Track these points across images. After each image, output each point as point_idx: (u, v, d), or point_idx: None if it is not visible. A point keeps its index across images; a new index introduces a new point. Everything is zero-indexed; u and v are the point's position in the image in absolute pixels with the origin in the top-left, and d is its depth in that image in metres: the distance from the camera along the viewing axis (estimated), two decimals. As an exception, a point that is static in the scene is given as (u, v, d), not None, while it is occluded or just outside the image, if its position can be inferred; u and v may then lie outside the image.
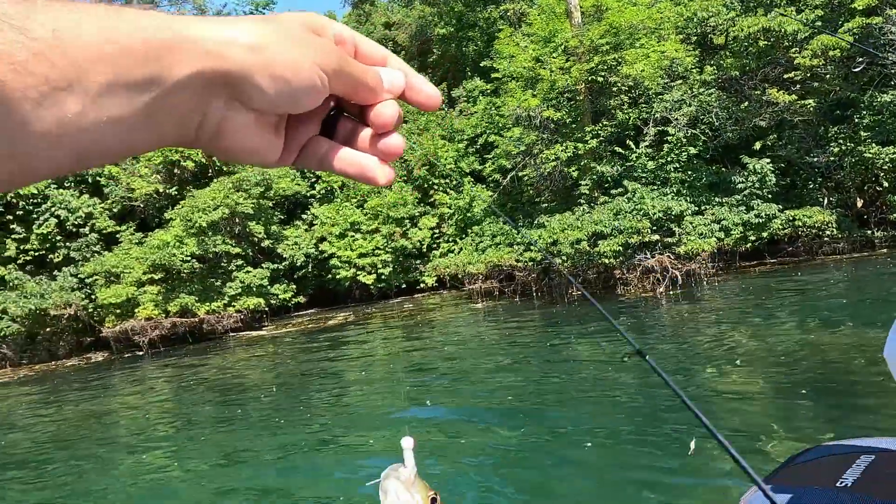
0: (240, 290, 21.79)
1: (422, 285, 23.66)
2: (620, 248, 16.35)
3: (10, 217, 21.69)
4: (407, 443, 1.19)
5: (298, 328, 20.85)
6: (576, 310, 15.74)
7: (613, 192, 17.62)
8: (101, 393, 15.02)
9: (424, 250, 23.85)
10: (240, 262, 22.17)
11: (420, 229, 23.66)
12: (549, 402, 7.97)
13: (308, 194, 25.19)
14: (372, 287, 23.69)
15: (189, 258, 20.94)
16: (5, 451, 10.21)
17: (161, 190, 22.52)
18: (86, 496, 7.32)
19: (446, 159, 23.65)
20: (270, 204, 23.63)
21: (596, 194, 18.12)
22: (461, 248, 23.02)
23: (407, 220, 23.65)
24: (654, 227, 16.55)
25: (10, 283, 21.31)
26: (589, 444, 5.86)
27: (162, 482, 7.38)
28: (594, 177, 18.05)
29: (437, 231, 24.00)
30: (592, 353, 10.68)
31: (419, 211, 23.96)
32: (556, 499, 5.00)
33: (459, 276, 21.82)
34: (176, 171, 22.76)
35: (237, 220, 22.07)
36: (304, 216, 25.06)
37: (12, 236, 21.76)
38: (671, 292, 15.95)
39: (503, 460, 6.00)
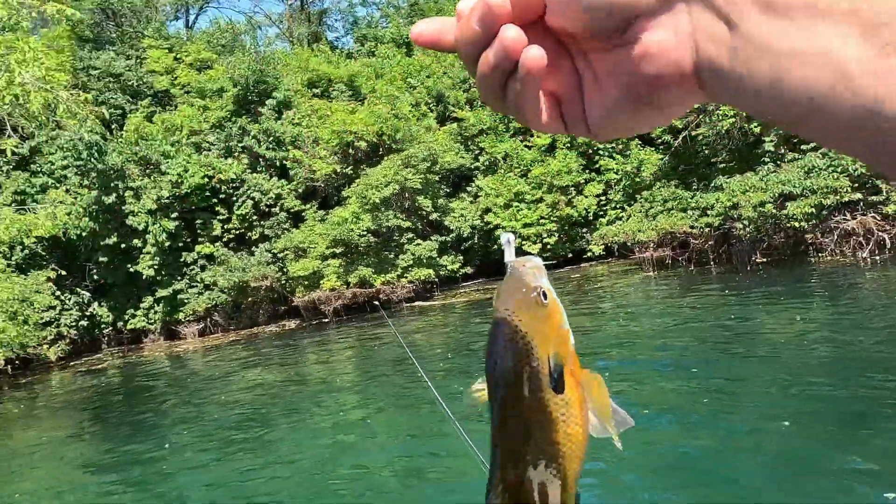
0: (411, 261, 22.88)
1: (588, 254, 23.20)
2: (813, 210, 14.77)
3: (216, 201, 24.52)
4: (506, 238, 1.03)
5: (466, 298, 21.47)
6: (761, 278, 14.55)
7: (804, 147, 15.89)
8: (295, 355, 16.65)
9: (591, 218, 23.29)
10: (410, 235, 23.22)
11: (586, 197, 23.12)
12: (735, 376, 7.50)
13: (472, 167, 25.61)
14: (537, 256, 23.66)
15: (365, 233, 22.35)
16: (224, 402, 11.71)
17: (338, 170, 24.14)
18: (291, 443, 8.20)
19: (611, 123, 22.77)
20: (437, 178, 24.37)
21: (783, 151, 16.47)
22: (629, 216, 22.16)
23: (572, 188, 23.22)
24: (856, 185, 14.71)
25: (218, 259, 24.19)
26: (787, 424, 5.44)
27: (357, 436, 8.04)
28: (780, 131, 16.38)
29: (603, 198, 23.30)
30: (782, 326, 9.84)
31: (584, 178, 23.39)
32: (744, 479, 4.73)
33: (628, 244, 21.07)
34: (350, 151, 24.24)
35: (406, 195, 23.09)
36: (468, 188, 25.56)
37: (217, 217, 24.60)
38: (877, 257, 14.15)
39: (689, 459, 5.78)
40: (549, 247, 23.19)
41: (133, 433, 10.93)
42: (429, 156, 23.34)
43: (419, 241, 23.40)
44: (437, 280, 23.69)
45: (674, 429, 6.06)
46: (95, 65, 26.26)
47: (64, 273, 23.91)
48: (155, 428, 11.05)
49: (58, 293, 23.19)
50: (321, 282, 22.30)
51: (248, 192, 24.33)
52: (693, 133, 18.78)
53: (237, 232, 24.68)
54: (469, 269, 24.61)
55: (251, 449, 8.52)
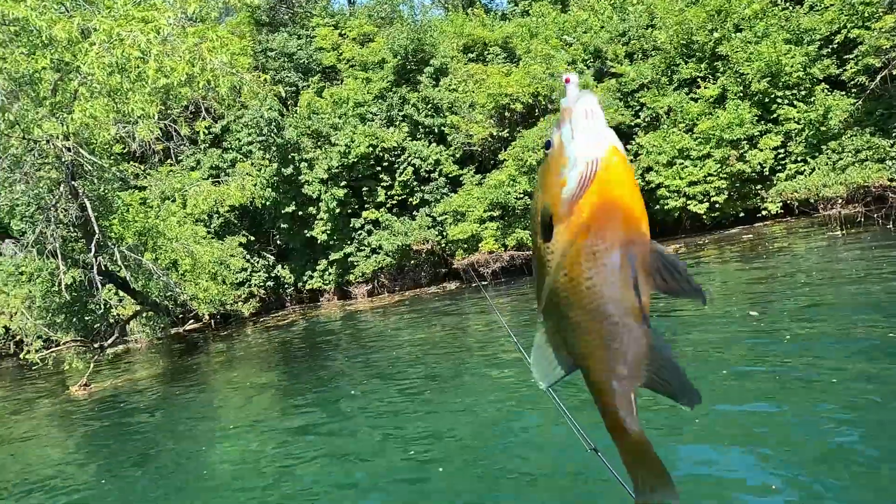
0: (568, 223, 22.56)
1: (763, 213, 21.38)
2: None
3: (379, 168, 25.83)
4: (571, 78, 0.91)
5: (627, 260, 20.81)
6: (979, 237, 12.58)
7: None
8: (456, 316, 17.31)
9: (766, 173, 21.36)
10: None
11: (761, 150, 21.21)
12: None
13: (632, 123, 24.49)
14: (704, 217, 22.27)
15: (522, 195, 22.40)
16: (395, 356, 12.56)
17: (494, 133, 24.29)
18: (456, 397, 8.65)
19: (793, 66, 20.52)
20: (594, 137, 23.65)
21: None
22: (813, 169, 20.04)
23: (745, 142, 21.40)
24: None
25: (383, 224, 25.59)
26: None
27: (515, 394, 8.30)
28: None
29: (782, 151, 21.22)
30: None
31: (759, 130, 21.43)
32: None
33: (811, 200, 19.13)
34: (506, 114, 24.24)
35: (563, 156, 22.69)
36: (628, 147, 24.52)
37: (381, 184, 25.94)
38: None
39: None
40: (717, 206, 21.71)
41: (317, 379, 12.13)
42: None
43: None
44: (595, 242, 23.16)
45: (873, 433, 5.44)
46: (272, 46, 28.51)
47: (252, 239, 26.72)
48: (336, 375, 12.17)
49: (248, 256, 26.00)
50: (479, 244, 22.82)
51: (409, 158, 25.32)
52: (895, 72, 16.42)
53: (399, 198, 25.86)
54: (629, 231, 23.78)
55: (425, 400, 9.12)
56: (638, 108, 24.45)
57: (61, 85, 12.12)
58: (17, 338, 22.16)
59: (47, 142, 12.53)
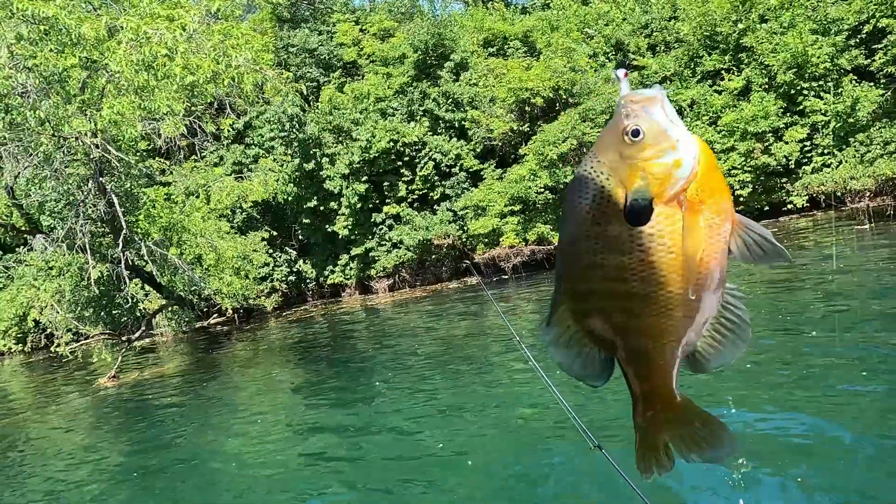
0: (590, 218, 22.47)
1: (789, 206, 21.09)
2: None
3: (400, 163, 25.91)
4: (616, 73, 0.94)
5: (649, 255, 20.68)
6: None
7: None
8: (477, 310, 17.34)
9: (792, 166, 21.06)
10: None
11: (786, 143, 20.91)
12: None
13: (655, 117, 24.27)
14: (728, 210, 22.04)
15: (542, 189, 22.33)
16: (417, 350, 12.63)
17: (515, 128, 24.23)
18: (477, 393, 8.69)
19: (820, 57, 20.17)
20: (616, 131, 23.51)
21: None
22: (841, 161, 19.71)
23: (769, 134, 21.11)
24: None
25: (404, 219, 25.68)
26: None
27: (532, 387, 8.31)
28: None
29: (808, 143, 20.90)
30: None
31: (785, 122, 21.12)
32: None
33: (838, 193, 18.83)
34: (527, 108, 24.17)
35: (584, 150, 22.60)
36: (651, 140, 24.31)
37: (402, 179, 26.01)
38: None
39: None
40: (742, 199, 21.44)
41: (339, 373, 12.25)
42: (607, 108, 22.53)
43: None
44: (617, 236, 23.06)
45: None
46: (293, 42, 28.69)
47: (275, 234, 26.97)
48: (358, 369, 12.29)
49: (270, 251, 26.26)
50: (500, 239, 22.80)
51: (430, 153, 25.35)
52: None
53: (420, 192, 25.92)
54: (651, 225, 23.62)
55: (448, 394, 9.19)
56: (660, 101, 24.17)
57: (89, 82, 12.35)
58: (49, 331, 22.66)
59: (76, 139, 12.79)
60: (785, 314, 9.76)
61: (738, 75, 22.24)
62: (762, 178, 21.30)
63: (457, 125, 25.72)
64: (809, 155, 20.79)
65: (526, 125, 24.05)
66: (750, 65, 22.02)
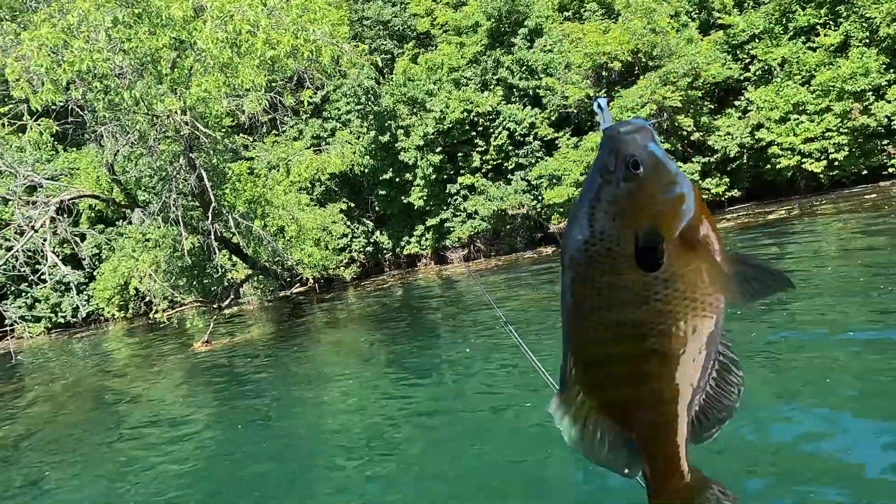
0: (670, 185, 21.77)
1: (890, 170, 19.69)
2: None
3: (474, 133, 25.82)
4: (597, 103, 0.82)
5: (733, 223, 19.89)
6: None
7: None
8: (553, 279, 17.23)
9: (894, 127, 19.59)
10: (670, 157, 21.98)
11: (888, 102, 19.42)
12: None
13: (741, 78, 23.05)
14: (821, 176, 20.79)
15: (620, 157, 21.75)
16: (493, 320, 12.74)
17: (591, 94, 23.61)
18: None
19: (929, 7, 18.51)
20: (699, 94, 22.51)
21: None
22: (951, 120, 18.17)
23: (869, 93, 19.66)
24: None
25: (478, 189, 25.68)
26: None
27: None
28: None
29: (913, 102, 19.34)
30: None
31: (887, 80, 19.59)
32: None
33: (947, 155, 17.39)
34: (604, 73, 23.48)
35: (665, 115, 21.79)
36: (736, 103, 23.15)
37: (476, 149, 25.94)
38: None
39: None
40: (837, 163, 20.19)
41: (416, 339, 12.55)
42: (690, 70, 21.58)
43: (679, 163, 22.07)
44: (699, 204, 22.26)
45: None
46: (367, 14, 28.89)
47: (352, 205, 27.60)
48: (435, 336, 12.55)
49: (348, 223, 26.92)
50: (576, 209, 22.44)
51: (504, 122, 25.13)
52: None
53: (494, 162, 25.79)
54: (736, 192, 22.63)
55: (527, 365, 9.26)
56: (748, 60, 22.96)
57: (179, 62, 12.93)
58: (147, 299, 24.25)
59: (167, 117, 13.47)
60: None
61: (835, 30, 20.75)
62: (860, 140, 19.93)
63: (531, 93, 25.32)
64: (915, 114, 19.25)
65: (603, 91, 23.37)
66: (849, 18, 20.48)
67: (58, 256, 15.69)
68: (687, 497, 0.79)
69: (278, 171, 24.64)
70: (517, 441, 6.34)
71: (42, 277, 15.90)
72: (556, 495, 5.18)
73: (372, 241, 28.35)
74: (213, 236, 16.27)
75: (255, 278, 22.39)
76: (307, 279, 24.70)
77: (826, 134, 20.03)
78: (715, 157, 22.38)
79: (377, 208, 28.47)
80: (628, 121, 0.77)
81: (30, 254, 16.03)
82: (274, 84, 17.69)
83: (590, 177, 0.76)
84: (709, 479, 0.81)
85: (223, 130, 18.34)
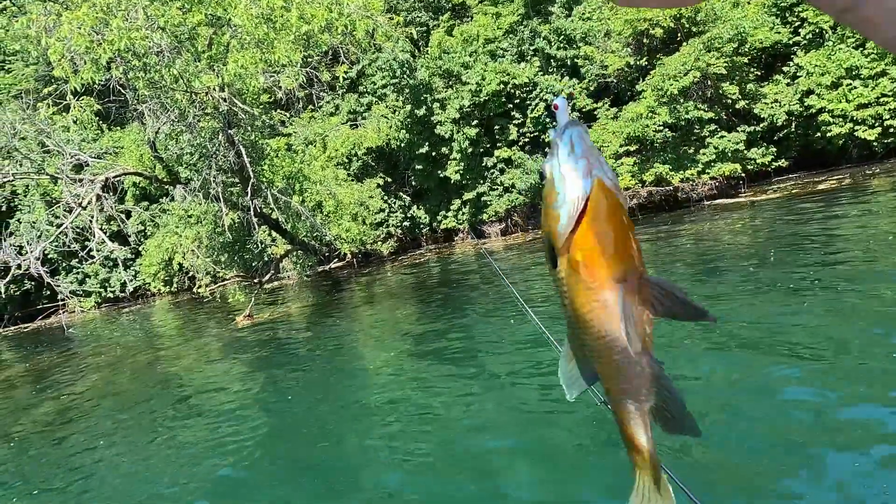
0: (714, 156, 21.15)
1: (950, 137, 18.74)
2: None
3: (510, 106, 25.47)
4: (559, 104, 0.85)
5: (780, 194, 19.26)
6: None
7: None
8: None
9: (956, 91, 18.59)
10: (713, 126, 21.34)
11: (950, 64, 18.42)
12: None
13: (790, 42, 22.11)
14: (875, 144, 19.91)
15: (661, 127, 21.20)
16: (538, 292, 12.66)
17: (631, 62, 22.99)
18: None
19: None
20: (745, 60, 21.69)
21: None
22: None
23: (929, 55, 18.64)
24: None
25: (515, 162, 25.39)
26: None
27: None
28: None
29: (977, 63, 18.30)
30: None
31: (949, 40, 18.52)
32: None
33: None
34: (645, 40, 22.79)
35: (709, 83, 21.09)
36: (785, 69, 22.25)
37: (513, 122, 25.61)
38: None
39: None
40: (892, 130, 19.30)
41: (454, 313, 12.57)
42: (735, 35, 20.78)
43: (723, 132, 21.40)
44: (743, 175, 21.60)
45: None
46: (402, -13, 28.54)
47: (389, 180, 27.62)
48: (472, 310, 12.54)
49: (385, 198, 26.98)
50: (615, 181, 22.02)
51: (541, 94, 24.70)
52: None
53: (531, 135, 25.43)
54: (784, 162, 21.86)
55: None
56: (798, 24, 21.99)
57: (215, 38, 13.00)
58: (191, 274, 24.84)
59: (206, 93, 13.60)
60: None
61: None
62: (919, 105, 18.98)
63: (569, 63, 24.79)
64: (979, 76, 18.22)
65: (644, 59, 22.74)
66: (908, -25, 19.37)
67: (105, 233, 16.12)
68: (643, 467, 0.85)
69: (315, 146, 24.77)
70: (560, 419, 6.32)
71: (91, 254, 16.39)
72: (593, 475, 5.15)
73: (409, 215, 28.40)
74: (252, 212, 16.48)
75: (295, 253, 22.69)
76: (345, 254, 24.91)
77: (881, 100, 19.14)
78: (761, 125, 21.63)
79: (414, 183, 28.45)
80: (559, 124, 0.81)
81: (79, 230, 16.53)
82: (309, 60, 17.67)
83: None
84: (659, 468, 0.86)
85: (261, 107, 18.46)
